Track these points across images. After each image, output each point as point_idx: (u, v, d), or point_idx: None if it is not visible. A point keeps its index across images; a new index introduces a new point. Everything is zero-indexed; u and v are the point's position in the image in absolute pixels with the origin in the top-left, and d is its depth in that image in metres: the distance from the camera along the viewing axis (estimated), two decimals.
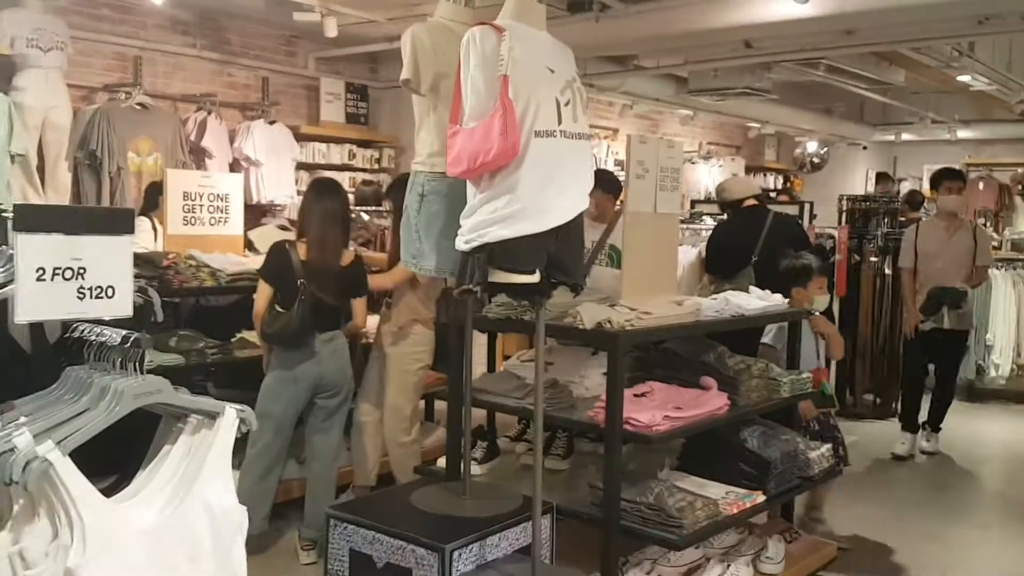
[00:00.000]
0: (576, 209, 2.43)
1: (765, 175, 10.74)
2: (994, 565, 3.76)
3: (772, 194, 9.91)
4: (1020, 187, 10.40)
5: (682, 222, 7.50)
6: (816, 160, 10.69)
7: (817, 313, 4.05)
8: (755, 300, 3.72)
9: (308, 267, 3.41)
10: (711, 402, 3.23)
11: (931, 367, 5.59)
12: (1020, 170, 10.12)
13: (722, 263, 5.05)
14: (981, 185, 10.46)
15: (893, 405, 6.21)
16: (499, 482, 3.38)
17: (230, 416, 1.73)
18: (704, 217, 7.63)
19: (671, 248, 3.83)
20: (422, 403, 4.46)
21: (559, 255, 2.45)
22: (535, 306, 2.60)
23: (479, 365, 4.34)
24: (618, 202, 4.64)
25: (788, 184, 10.86)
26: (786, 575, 3.39)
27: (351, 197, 6.61)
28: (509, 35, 2.30)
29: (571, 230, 2.46)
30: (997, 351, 6.95)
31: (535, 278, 2.41)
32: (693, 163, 9.98)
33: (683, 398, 3.23)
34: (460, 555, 2.56)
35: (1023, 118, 9.07)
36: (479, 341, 4.55)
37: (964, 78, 6.59)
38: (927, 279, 5.35)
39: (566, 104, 2.41)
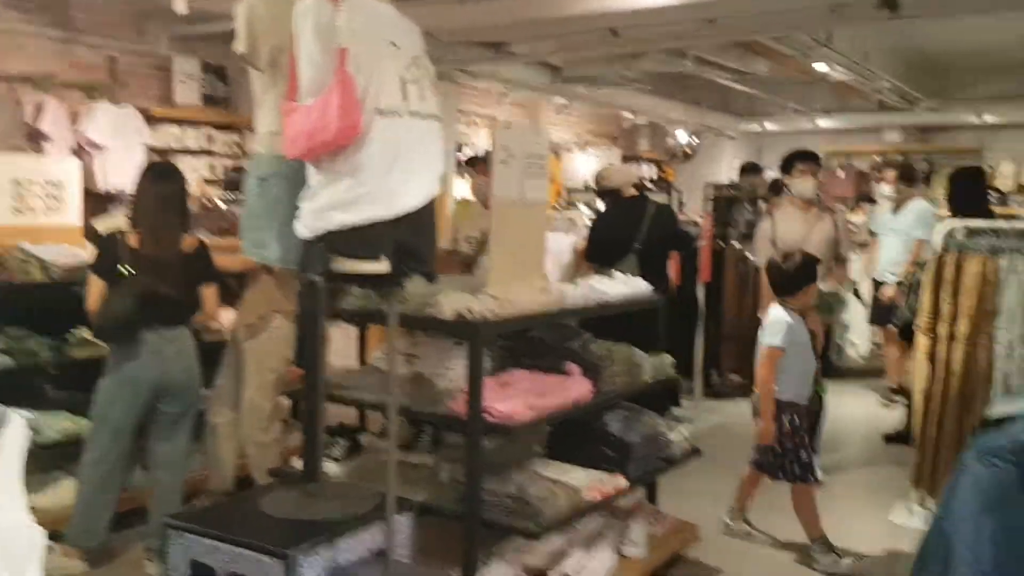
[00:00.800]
0: (427, 194, 2.32)
1: (640, 164, 10.92)
2: (853, 539, 3.89)
3: (648, 183, 10.09)
4: (878, 174, 10.96)
5: (556, 210, 7.57)
6: (687, 150, 10.96)
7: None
8: (619, 286, 3.73)
9: (141, 257, 3.16)
10: (574, 388, 3.20)
11: None
12: (878, 158, 10.66)
13: (603, 252, 5.08)
14: (842, 173, 10.98)
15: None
16: (361, 481, 3.23)
17: (16, 424, 1.53)
18: (579, 205, 7.71)
19: (539, 236, 3.78)
20: (287, 401, 4.25)
21: (410, 243, 2.33)
22: (387, 297, 2.48)
23: (350, 359, 4.18)
24: None
25: (661, 173, 11.09)
26: (649, 558, 3.41)
27: (217, 184, 6.34)
28: (347, 5, 2.16)
29: (423, 216, 2.35)
30: (854, 331, 7.29)
31: (383, 267, 2.28)
32: (570, 152, 10.05)
33: (547, 385, 3.18)
34: (308, 561, 2.41)
35: (880, 107, 9.54)
36: (349, 334, 4.40)
37: (822, 68, 6.83)
38: None
39: (412, 82, 2.29)
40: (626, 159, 10.75)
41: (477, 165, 4.93)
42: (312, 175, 2.26)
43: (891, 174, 6.55)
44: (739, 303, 6.66)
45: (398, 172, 2.22)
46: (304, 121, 2.19)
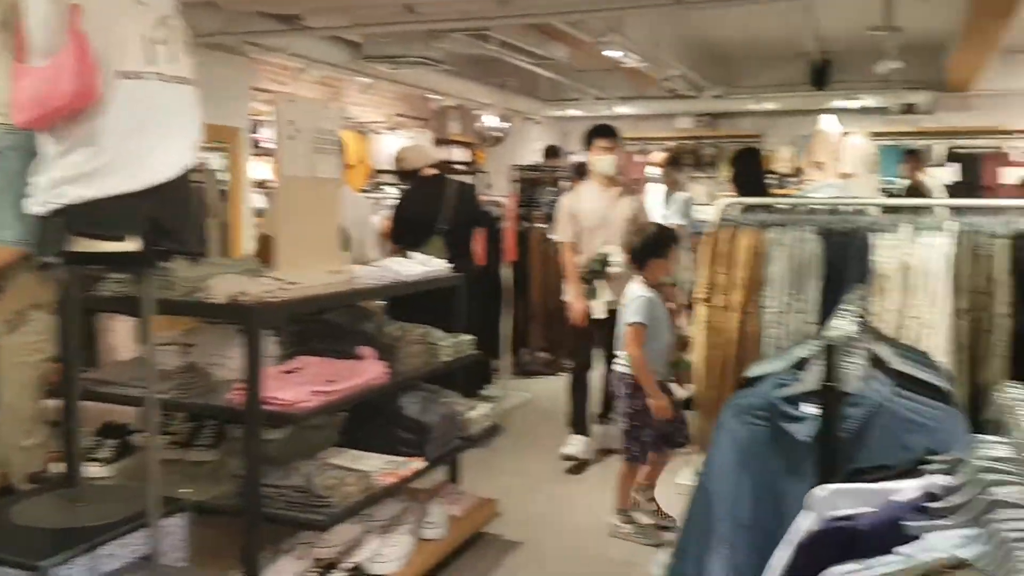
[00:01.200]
0: (180, 164, 2.13)
1: (452, 148, 10.92)
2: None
3: (461, 166, 10.12)
4: (646, 156, 11.56)
5: (363, 191, 7.40)
6: (496, 134, 11.07)
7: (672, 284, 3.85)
8: (416, 266, 3.67)
9: None
10: (367, 372, 3.11)
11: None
12: (671, 143, 11.21)
13: (408, 233, 4.99)
14: (640, 159, 11.49)
15: (563, 361, 6.56)
16: (131, 482, 2.99)
17: None
18: (384, 187, 7.59)
19: (331, 215, 3.66)
20: (53, 401, 3.87)
21: (164, 219, 2.13)
22: (142, 280, 2.28)
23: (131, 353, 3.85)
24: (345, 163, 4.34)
25: (474, 156, 11.14)
26: (450, 538, 3.39)
27: None
28: None
29: (178, 189, 2.16)
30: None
31: (131, 246, 2.08)
32: (379, 134, 9.87)
33: (337, 370, 3.07)
34: (63, 572, 2.18)
35: (671, 95, 10.03)
36: (129, 325, 4.06)
37: (616, 54, 7.06)
38: (592, 251, 4.77)
39: (161, 43, 2.09)
40: (439, 142, 10.70)
41: None
42: (46, 145, 2.02)
43: (659, 156, 6.89)
44: (545, 282, 6.80)
45: (144, 140, 2.02)
46: (34, 85, 1.96)
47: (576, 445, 4.80)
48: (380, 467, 3.02)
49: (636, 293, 3.76)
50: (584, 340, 4.81)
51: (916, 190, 7.59)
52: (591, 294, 4.69)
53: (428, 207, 5.03)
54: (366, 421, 3.35)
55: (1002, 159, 9.32)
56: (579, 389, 4.91)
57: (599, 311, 4.68)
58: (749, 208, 4.17)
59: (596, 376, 4.96)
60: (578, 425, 4.89)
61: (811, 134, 6.80)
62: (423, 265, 3.69)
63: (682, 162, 6.90)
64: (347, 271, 3.36)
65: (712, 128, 11.24)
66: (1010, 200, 4.25)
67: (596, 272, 4.68)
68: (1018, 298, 3.26)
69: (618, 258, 4.59)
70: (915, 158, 8.35)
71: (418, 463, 3.18)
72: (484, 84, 9.74)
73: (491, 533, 3.74)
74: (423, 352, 3.45)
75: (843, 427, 1.79)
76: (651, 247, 3.83)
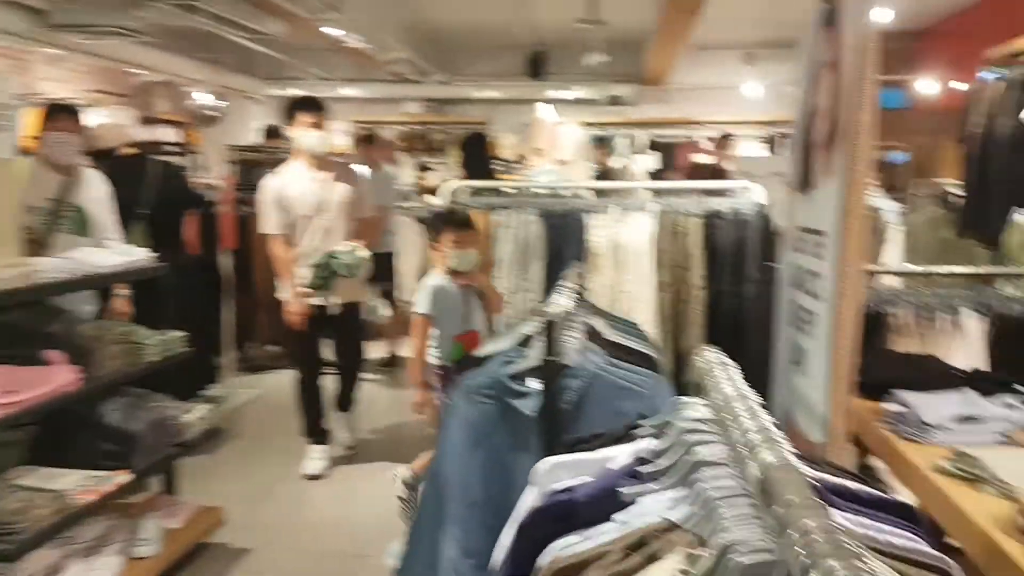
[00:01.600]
0: None
1: (160, 127, 10.04)
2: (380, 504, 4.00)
3: (170, 147, 9.33)
4: (405, 144, 11.57)
5: None
6: (211, 112, 10.36)
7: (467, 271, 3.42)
8: (115, 256, 3.29)
9: None
10: (55, 378, 2.73)
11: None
12: (399, 128, 11.19)
13: None
14: (376, 141, 11.36)
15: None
16: None
17: None
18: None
19: (6, 200, 3.17)
20: None
21: None
22: None
23: None
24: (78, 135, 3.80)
25: (186, 137, 10.35)
26: (166, 553, 3.10)
27: None
28: None
29: None
30: (408, 293, 7.52)
31: None
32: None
33: (17, 378, 2.67)
34: None
35: (397, 79, 9.98)
36: None
37: (335, 32, 6.85)
38: (310, 242, 4.22)
39: None
40: (145, 121, 9.80)
41: (57, 116, 3.79)
42: None
43: (361, 135, 6.92)
44: (270, 270, 6.45)
45: None
46: None
47: (317, 460, 4.37)
48: (78, 484, 2.68)
49: (424, 283, 3.46)
50: (310, 342, 4.33)
51: (605, 174, 8.29)
52: (324, 292, 4.19)
53: (125, 190, 4.54)
54: (61, 434, 2.96)
55: (692, 147, 10.38)
56: (310, 397, 4.41)
57: (335, 308, 4.27)
58: (477, 192, 4.24)
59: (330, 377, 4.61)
60: (315, 435, 4.43)
61: (530, 122, 7.11)
62: (121, 255, 3.31)
63: (376, 140, 6.91)
64: (25, 264, 2.92)
65: (440, 114, 11.37)
66: (702, 182, 4.71)
67: (343, 275, 4.16)
68: (710, 271, 3.62)
69: (362, 252, 4.21)
70: (602, 145, 9.15)
71: (124, 476, 2.86)
72: (194, 59, 9.07)
73: (216, 543, 3.47)
74: (125, 352, 3.10)
75: (564, 399, 1.83)
76: (431, 228, 3.54)
